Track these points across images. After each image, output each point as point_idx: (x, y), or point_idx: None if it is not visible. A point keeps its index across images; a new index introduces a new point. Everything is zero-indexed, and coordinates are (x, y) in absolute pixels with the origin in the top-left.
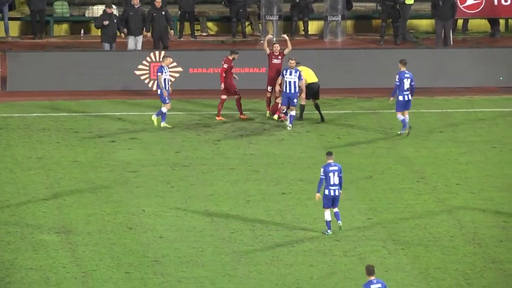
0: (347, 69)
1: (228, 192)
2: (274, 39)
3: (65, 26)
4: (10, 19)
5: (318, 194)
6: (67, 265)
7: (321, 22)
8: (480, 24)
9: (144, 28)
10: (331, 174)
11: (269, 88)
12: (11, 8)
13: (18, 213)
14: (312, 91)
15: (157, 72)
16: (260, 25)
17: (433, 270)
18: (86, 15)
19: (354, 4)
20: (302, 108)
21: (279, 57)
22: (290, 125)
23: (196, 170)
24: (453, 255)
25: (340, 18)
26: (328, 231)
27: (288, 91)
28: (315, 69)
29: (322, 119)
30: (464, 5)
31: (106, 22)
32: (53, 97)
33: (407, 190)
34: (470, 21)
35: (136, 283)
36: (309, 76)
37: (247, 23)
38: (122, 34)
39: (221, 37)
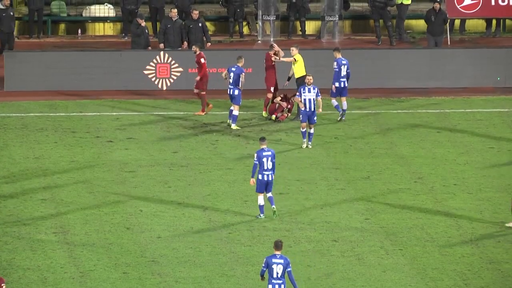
0: None
1: (226, 192)
2: (272, 39)
3: (62, 26)
4: None
5: (252, 179)
6: (64, 265)
7: (319, 22)
8: (477, 24)
9: (182, 40)
10: (264, 160)
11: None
12: None
13: (15, 213)
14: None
15: (239, 73)
16: (257, 25)
17: (431, 270)
18: (83, 14)
19: (351, 4)
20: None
21: (277, 58)
22: (310, 142)
23: (194, 170)
24: (450, 255)
25: (337, 18)
26: (261, 215)
27: (308, 109)
28: (312, 69)
29: (298, 116)
30: (461, 5)
31: (142, 23)
32: (51, 97)
33: (404, 190)
34: (467, 21)
35: (133, 283)
36: (303, 68)
37: (244, 23)
38: (161, 45)
39: (218, 37)
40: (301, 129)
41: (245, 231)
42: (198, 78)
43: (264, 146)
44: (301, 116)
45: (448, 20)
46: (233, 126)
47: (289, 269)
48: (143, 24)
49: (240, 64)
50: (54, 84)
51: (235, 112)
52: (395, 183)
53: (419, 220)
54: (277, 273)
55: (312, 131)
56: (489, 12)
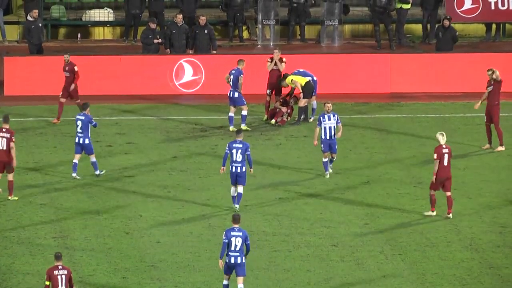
0: (344, 73)
1: (225, 197)
2: (271, 43)
3: (62, 30)
4: (7, 23)
5: (223, 168)
6: None
7: (318, 27)
8: (477, 29)
9: (187, 45)
10: (234, 151)
11: (268, 91)
12: (8, 12)
13: (15, 217)
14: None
15: (237, 75)
16: (257, 29)
17: (430, 275)
18: (83, 19)
19: (351, 8)
20: (301, 110)
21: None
22: (330, 165)
23: (193, 175)
24: (450, 260)
25: (337, 23)
26: (234, 205)
27: (328, 137)
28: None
29: (298, 121)
30: (461, 10)
31: (156, 41)
32: (50, 101)
33: (404, 195)
34: (467, 25)
35: None
36: (301, 79)
37: (244, 28)
38: (168, 50)
39: (218, 42)
40: (323, 159)
41: None
42: (73, 86)
43: (238, 139)
44: (322, 145)
45: (458, 39)
46: (243, 126)
47: (247, 243)
48: (154, 26)
49: (240, 67)
50: (54, 88)
51: (244, 112)
52: (394, 187)
53: (419, 225)
54: (236, 246)
55: (334, 158)
56: (489, 16)
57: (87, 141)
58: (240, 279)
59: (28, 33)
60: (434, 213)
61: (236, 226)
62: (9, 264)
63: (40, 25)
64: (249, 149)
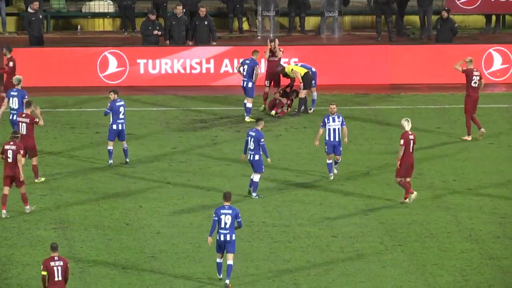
0: (344, 65)
1: (225, 188)
2: (271, 35)
3: (61, 22)
4: (7, 14)
5: (243, 155)
6: None
7: (318, 18)
8: (476, 20)
9: (187, 36)
10: (249, 138)
11: (266, 82)
12: (8, 4)
13: (15, 208)
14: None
15: (253, 66)
16: (257, 21)
17: (430, 266)
18: (83, 10)
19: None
20: (301, 102)
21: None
22: (336, 166)
23: (193, 166)
24: (450, 251)
25: (337, 14)
26: (249, 189)
27: (332, 139)
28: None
29: (298, 112)
30: (461, 1)
31: (156, 32)
32: (50, 92)
33: None
34: (466, 17)
35: (133, 279)
36: (300, 70)
37: (244, 19)
38: (167, 42)
39: (218, 33)
40: (327, 160)
41: (245, 227)
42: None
43: (257, 127)
44: (326, 147)
45: (457, 31)
46: (247, 119)
47: (239, 220)
48: (153, 17)
49: (255, 57)
50: (53, 79)
51: (249, 104)
52: (394, 179)
53: (419, 216)
54: (225, 223)
55: (338, 160)
56: (489, 8)
57: (124, 126)
58: (230, 256)
59: (29, 25)
60: (414, 195)
61: (227, 204)
62: (9, 255)
63: (40, 17)
64: (262, 139)
